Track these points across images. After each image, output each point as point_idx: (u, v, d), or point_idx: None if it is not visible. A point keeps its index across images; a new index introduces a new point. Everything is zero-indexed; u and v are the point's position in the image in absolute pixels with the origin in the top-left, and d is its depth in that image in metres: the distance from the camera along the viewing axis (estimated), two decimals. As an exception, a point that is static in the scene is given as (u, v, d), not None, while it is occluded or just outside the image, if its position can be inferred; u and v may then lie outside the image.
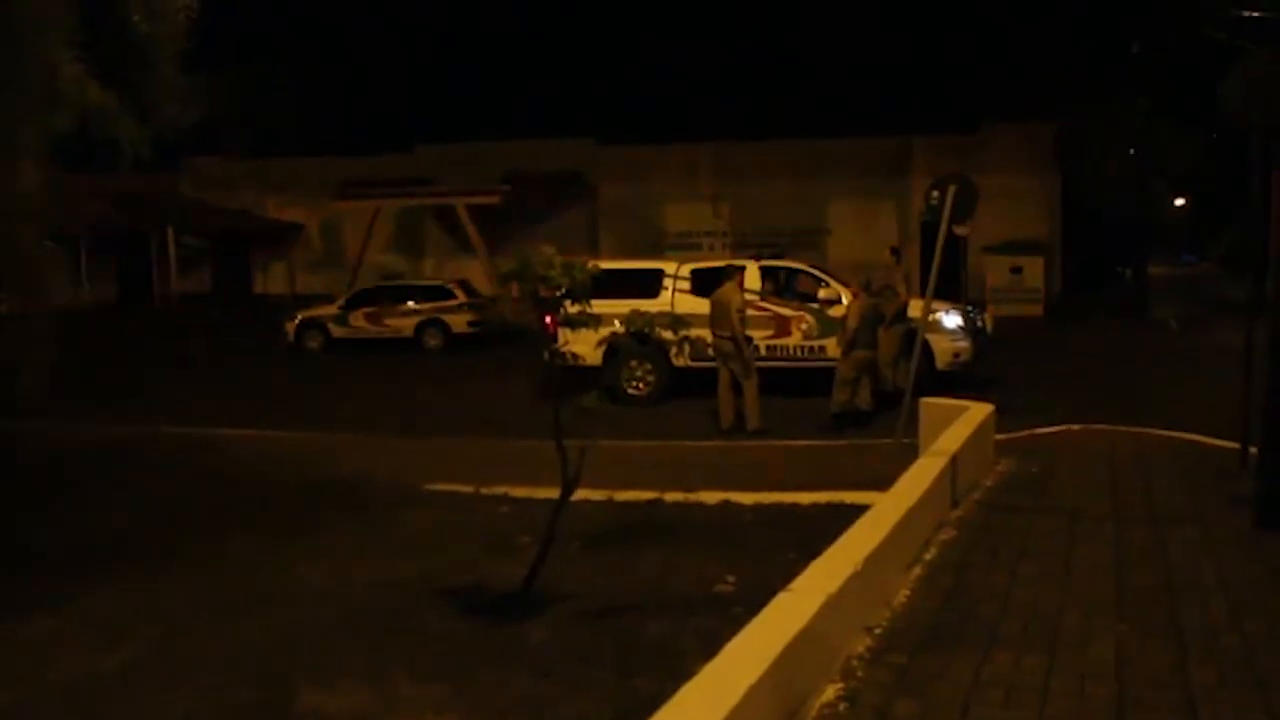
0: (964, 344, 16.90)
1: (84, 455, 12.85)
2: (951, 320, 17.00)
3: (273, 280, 41.34)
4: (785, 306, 17.15)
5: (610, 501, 9.77)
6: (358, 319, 27.51)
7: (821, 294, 17.16)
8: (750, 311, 15.29)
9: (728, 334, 14.08)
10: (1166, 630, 5.85)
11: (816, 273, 18.00)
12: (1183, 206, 67.37)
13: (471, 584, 7.49)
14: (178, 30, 9.26)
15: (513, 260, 6.99)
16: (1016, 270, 33.16)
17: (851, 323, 14.09)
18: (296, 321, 27.75)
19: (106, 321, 33.02)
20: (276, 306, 33.33)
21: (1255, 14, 18.97)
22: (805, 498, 9.77)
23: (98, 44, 8.62)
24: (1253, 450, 8.78)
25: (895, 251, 15.49)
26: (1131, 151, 35.90)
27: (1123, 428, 12.70)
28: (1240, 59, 9.48)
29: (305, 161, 40.23)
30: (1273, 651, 5.50)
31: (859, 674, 5.21)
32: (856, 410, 14.16)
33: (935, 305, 14.99)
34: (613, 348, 15.64)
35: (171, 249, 37.25)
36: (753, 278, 17.00)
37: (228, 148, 40.38)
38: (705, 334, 14.41)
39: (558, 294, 6.84)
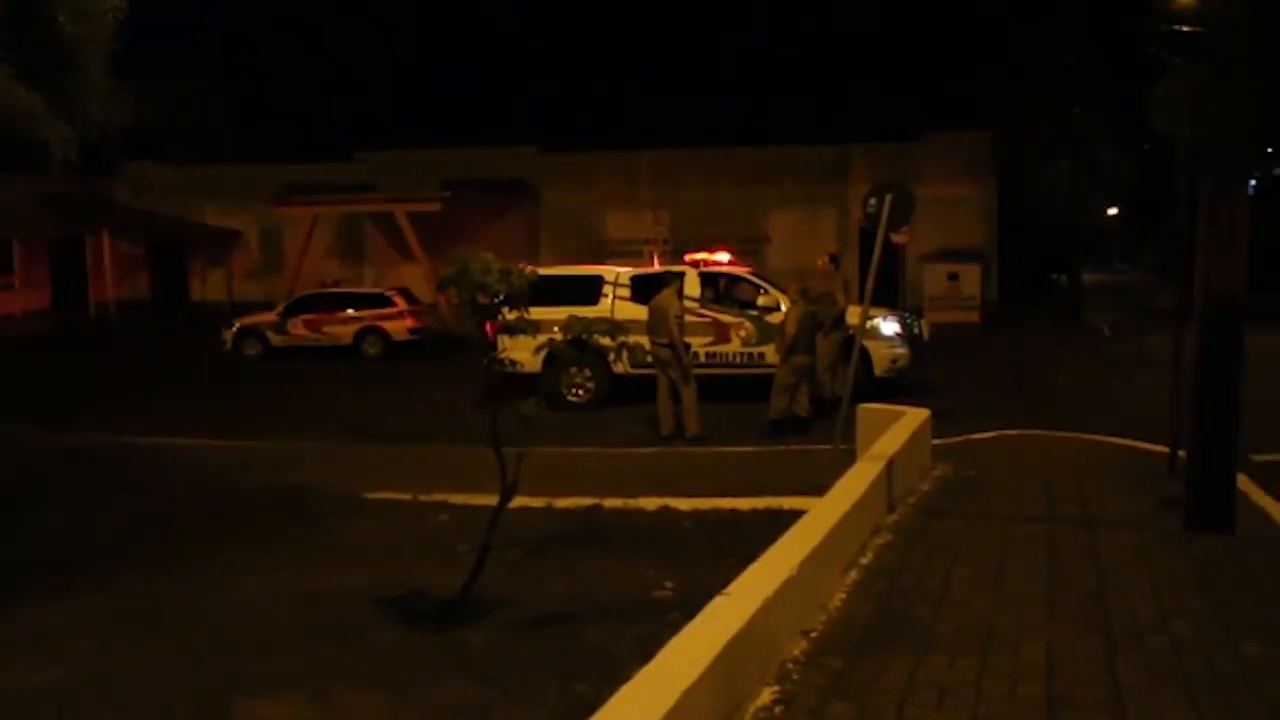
0: (901, 350, 17.06)
1: (21, 466, 12.63)
2: (889, 327, 17.17)
3: (211, 287, 40.84)
4: (724, 313, 17.23)
5: (549, 508, 9.76)
6: (296, 326, 27.25)
7: (760, 301, 17.25)
8: (689, 318, 15.34)
9: (666, 341, 14.13)
10: (1097, 631, 5.95)
11: (755, 279, 18.10)
12: (1116, 215, 68.54)
13: (411, 592, 7.45)
14: (105, 31, 9.10)
15: (451, 267, 6.97)
16: (954, 277, 33.48)
17: (790, 329, 14.16)
18: (235, 329, 27.45)
19: (39, 328, 32.56)
20: (215, 313, 32.96)
21: (1186, 29, 19.35)
22: (744, 503, 9.80)
23: (22, 45, 8.48)
24: (1182, 454, 8.94)
25: (834, 258, 15.57)
26: (1066, 161, 36.44)
27: (1057, 432, 12.89)
28: (1170, 72, 9.69)
29: (244, 168, 39.87)
30: (1199, 651, 5.61)
31: (795, 677, 5.25)
32: (795, 416, 14.23)
33: (873, 312, 15.12)
34: (552, 354, 15.63)
35: (107, 255, 36.74)
36: (692, 284, 17.08)
37: (167, 153, 39.91)
38: (645, 341, 14.46)
39: (495, 300, 6.83)
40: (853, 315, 15.05)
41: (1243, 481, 8.97)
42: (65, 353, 28.24)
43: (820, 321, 14.79)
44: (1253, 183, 41.88)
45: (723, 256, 18.45)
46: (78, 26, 8.89)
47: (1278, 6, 8.77)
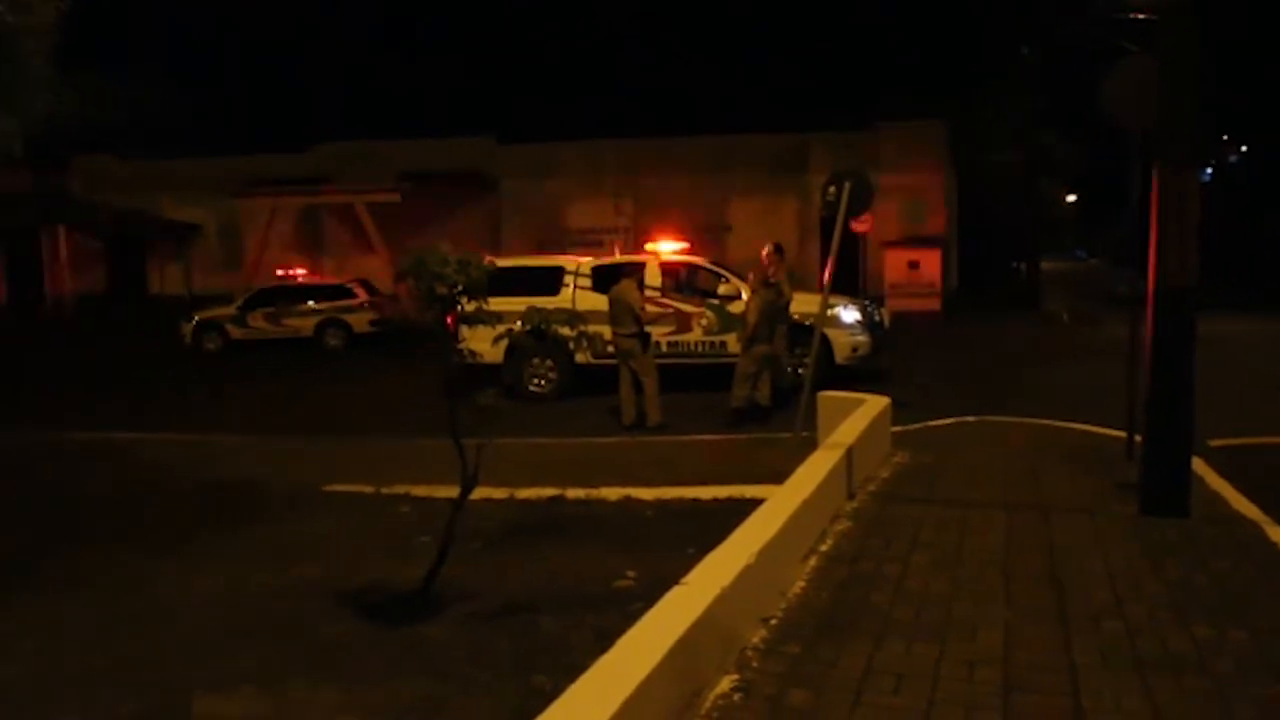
0: (862, 338, 17.15)
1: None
2: (850, 315, 17.24)
3: (169, 281, 40.55)
4: (686, 302, 17.25)
5: (512, 499, 9.76)
6: (256, 319, 27.13)
7: (721, 290, 17.29)
8: (650, 308, 15.35)
9: (627, 331, 14.12)
10: (1053, 615, 6.00)
11: (716, 268, 18.13)
12: (1074, 202, 69.12)
13: (370, 586, 7.43)
14: (47, 23, 9.00)
15: (409, 259, 6.95)
16: (914, 265, 33.67)
17: (751, 318, 14.20)
18: (194, 323, 27.29)
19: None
20: (174, 307, 32.71)
21: (1139, 15, 19.49)
22: (706, 492, 9.82)
23: None
24: (1138, 439, 9.02)
25: (778, 248, 15.55)
26: (1021, 150, 36.70)
27: (1015, 419, 12.99)
28: (1121, 60, 9.75)
29: (200, 161, 39.56)
30: (1151, 634, 5.68)
31: (754, 665, 5.28)
32: (756, 405, 14.28)
33: (833, 300, 15.17)
34: (513, 345, 15.60)
35: (64, 249, 36.37)
36: (653, 274, 17.09)
37: (115, 147, 39.54)
38: (606, 331, 14.45)
39: (453, 291, 6.82)
40: (808, 304, 15.10)
41: (1198, 465, 9.09)
42: (21, 348, 27.93)
43: (779, 310, 14.82)
44: (1208, 171, 42.33)
45: (676, 245, 18.46)
46: (17, 17, 8.78)
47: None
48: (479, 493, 7.30)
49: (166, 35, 42.93)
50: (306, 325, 27.21)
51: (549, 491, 10.08)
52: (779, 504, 6.82)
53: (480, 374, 8.58)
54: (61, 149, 35.00)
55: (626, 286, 14.38)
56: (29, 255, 38.01)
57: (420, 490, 10.13)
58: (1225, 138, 44.22)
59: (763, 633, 5.69)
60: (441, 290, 6.81)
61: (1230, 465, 9.98)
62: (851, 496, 8.71)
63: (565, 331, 7.68)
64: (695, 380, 16.34)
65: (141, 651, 6.45)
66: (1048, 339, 26.16)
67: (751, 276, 15.39)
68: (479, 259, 6.94)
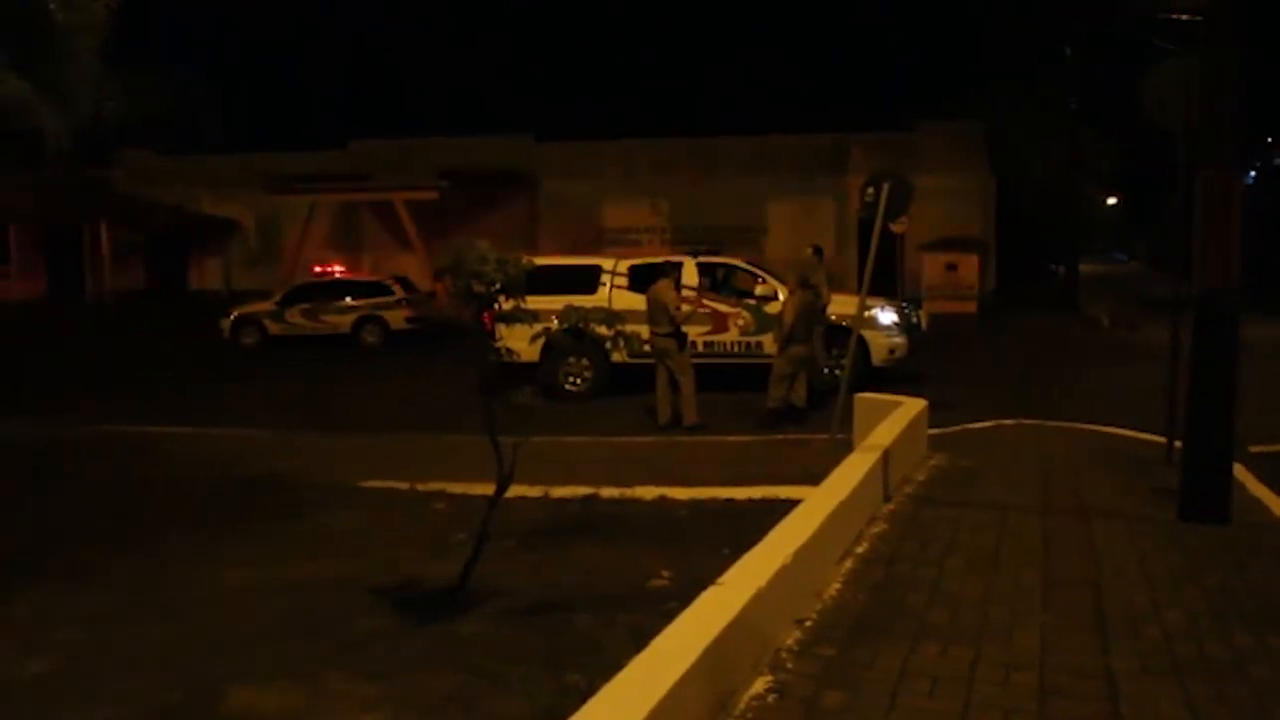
0: (899, 340, 17.08)
1: (10, 455, 12.61)
2: (887, 317, 17.17)
3: (209, 276, 40.86)
4: (722, 302, 17.23)
5: (546, 498, 9.76)
6: (294, 315, 27.23)
7: (758, 290, 17.26)
8: (686, 307, 15.35)
9: (664, 331, 14.10)
10: (1090, 621, 5.96)
11: (753, 269, 18.09)
12: (1115, 205, 68.49)
13: (405, 581, 7.45)
14: (97, 20, 9.12)
15: (447, 256, 6.96)
16: (952, 267, 33.49)
17: (788, 318, 14.16)
18: (232, 318, 27.45)
19: (35, 317, 32.51)
20: (212, 302, 32.93)
21: (1181, 16, 19.31)
22: (741, 493, 9.81)
23: (13, 33, 8.50)
24: (1177, 444, 8.95)
25: (818, 250, 15.47)
26: (1061, 150, 36.39)
27: (1053, 422, 12.91)
28: (1163, 63, 9.68)
29: (240, 157, 39.80)
30: (1190, 640, 5.64)
31: (788, 666, 5.27)
32: (792, 406, 14.25)
33: (871, 302, 15.11)
34: (550, 344, 15.61)
35: (105, 244, 36.70)
36: (690, 274, 17.08)
37: (153, 142, 39.86)
38: (643, 330, 14.44)
39: (491, 289, 6.83)
40: (846, 305, 15.06)
41: (1239, 471, 8.99)
42: (61, 342, 28.20)
43: (816, 311, 14.79)
44: (1252, 174, 41.78)
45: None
46: (68, 15, 8.90)
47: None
48: (514, 490, 7.32)
49: (196, 31, 43.10)
50: (344, 322, 27.30)
51: (584, 490, 10.08)
52: (815, 505, 6.81)
53: (517, 372, 8.59)
54: (105, 144, 35.33)
55: (663, 286, 14.37)
56: (71, 250, 38.36)
57: (456, 487, 10.15)
58: (1270, 140, 43.68)
59: (797, 634, 5.68)
60: (480, 288, 6.81)
61: (1272, 472, 9.87)
62: (888, 499, 8.68)
63: (602, 331, 7.67)
64: (731, 380, 16.31)
65: (174, 645, 6.49)
66: (1086, 342, 25.97)
67: (789, 277, 15.36)
68: (518, 257, 6.94)
